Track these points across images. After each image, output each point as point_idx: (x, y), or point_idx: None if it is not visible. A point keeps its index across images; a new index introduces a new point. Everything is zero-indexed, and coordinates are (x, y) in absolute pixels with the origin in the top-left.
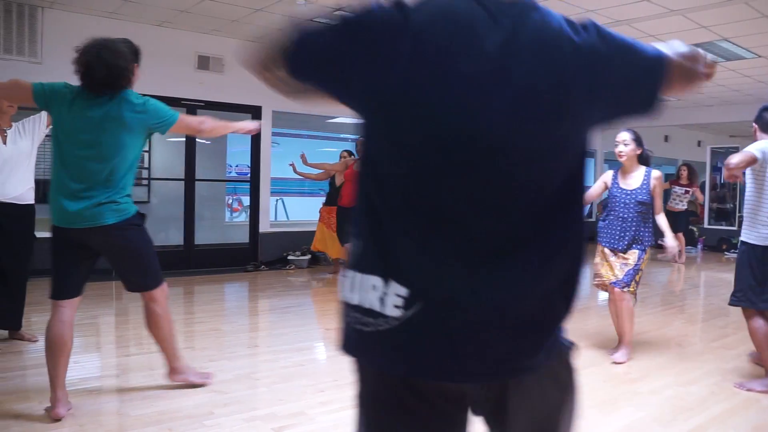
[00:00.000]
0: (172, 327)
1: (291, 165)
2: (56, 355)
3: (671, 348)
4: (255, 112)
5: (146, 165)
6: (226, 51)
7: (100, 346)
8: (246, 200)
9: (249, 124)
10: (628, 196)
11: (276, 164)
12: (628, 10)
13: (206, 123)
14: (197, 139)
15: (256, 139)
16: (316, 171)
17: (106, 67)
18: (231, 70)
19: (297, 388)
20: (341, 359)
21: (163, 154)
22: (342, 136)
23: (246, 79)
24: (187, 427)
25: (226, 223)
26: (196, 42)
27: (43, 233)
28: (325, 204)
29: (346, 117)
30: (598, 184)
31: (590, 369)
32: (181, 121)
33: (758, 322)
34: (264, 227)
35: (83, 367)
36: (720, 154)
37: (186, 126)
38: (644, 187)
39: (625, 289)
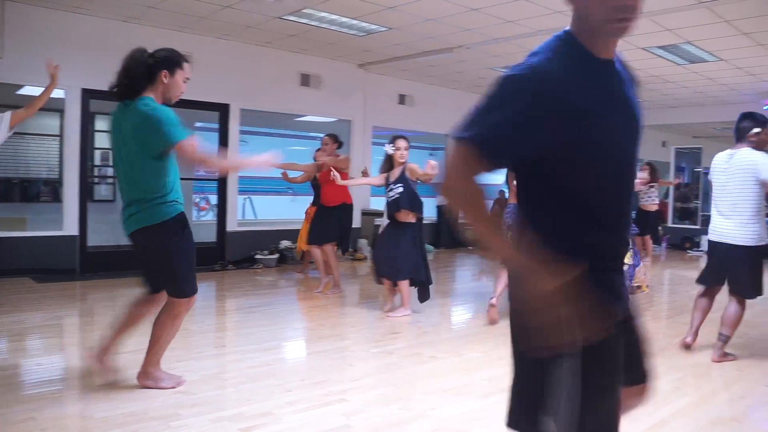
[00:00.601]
0: (171, 337)
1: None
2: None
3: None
4: (222, 110)
5: (111, 163)
6: (194, 48)
7: (64, 347)
8: (213, 199)
9: (263, 157)
10: None
11: None
12: None
13: (214, 157)
14: None
15: (223, 137)
16: (297, 174)
17: (120, 72)
18: (198, 67)
19: (264, 388)
20: (308, 358)
21: None
22: (311, 134)
23: (213, 77)
24: (153, 428)
25: (193, 222)
26: (163, 39)
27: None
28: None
29: (314, 116)
30: None
31: None
32: (182, 147)
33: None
34: (231, 226)
35: (46, 369)
36: (684, 155)
37: (188, 155)
38: None
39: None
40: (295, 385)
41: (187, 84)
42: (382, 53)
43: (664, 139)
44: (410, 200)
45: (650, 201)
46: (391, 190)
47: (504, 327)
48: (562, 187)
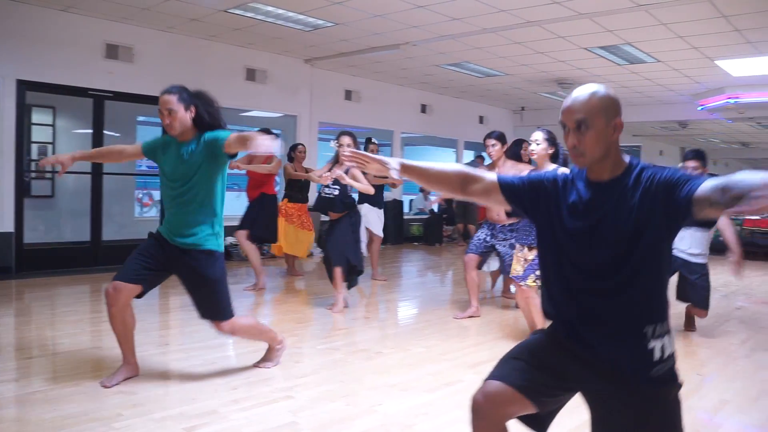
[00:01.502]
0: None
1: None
2: None
3: None
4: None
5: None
6: (136, 40)
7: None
8: (157, 194)
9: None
10: None
11: None
12: (539, 11)
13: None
14: (105, 131)
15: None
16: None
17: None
18: (141, 60)
19: (209, 387)
20: (254, 356)
21: (69, 146)
22: (257, 129)
23: (156, 70)
24: (94, 430)
25: (135, 218)
26: (104, 29)
27: None
28: (289, 201)
29: (260, 111)
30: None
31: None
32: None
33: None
34: None
35: None
36: (623, 152)
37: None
38: None
39: (522, 283)
40: (240, 382)
41: (129, 77)
42: (329, 49)
43: None
44: (343, 203)
45: None
46: (328, 187)
47: (446, 323)
48: None
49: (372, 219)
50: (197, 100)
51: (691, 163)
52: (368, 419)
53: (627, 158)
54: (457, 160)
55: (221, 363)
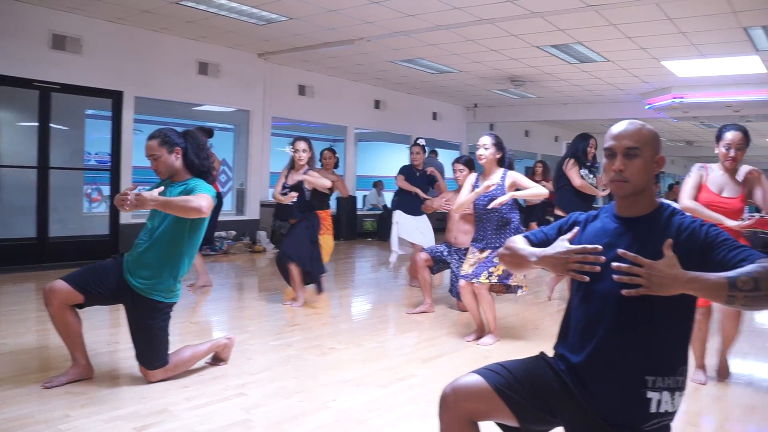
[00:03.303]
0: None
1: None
2: None
3: (529, 331)
4: (116, 98)
5: None
6: (84, 31)
7: None
8: (106, 190)
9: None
10: (486, 198)
11: (138, 152)
12: (492, 9)
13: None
14: (51, 125)
15: (116, 125)
16: None
17: None
18: (90, 52)
19: (160, 385)
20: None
21: (13, 140)
22: (209, 124)
23: (106, 62)
24: None
25: (84, 214)
26: (51, 19)
27: None
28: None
29: (212, 105)
30: (465, 187)
31: (458, 353)
32: None
33: None
34: (125, 218)
35: None
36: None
37: None
38: (500, 188)
39: (474, 281)
40: (192, 380)
41: (76, 69)
42: (283, 43)
43: (556, 134)
44: (301, 209)
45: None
46: (286, 194)
47: (400, 318)
48: None
49: (409, 228)
50: (184, 141)
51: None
52: (322, 415)
53: (658, 199)
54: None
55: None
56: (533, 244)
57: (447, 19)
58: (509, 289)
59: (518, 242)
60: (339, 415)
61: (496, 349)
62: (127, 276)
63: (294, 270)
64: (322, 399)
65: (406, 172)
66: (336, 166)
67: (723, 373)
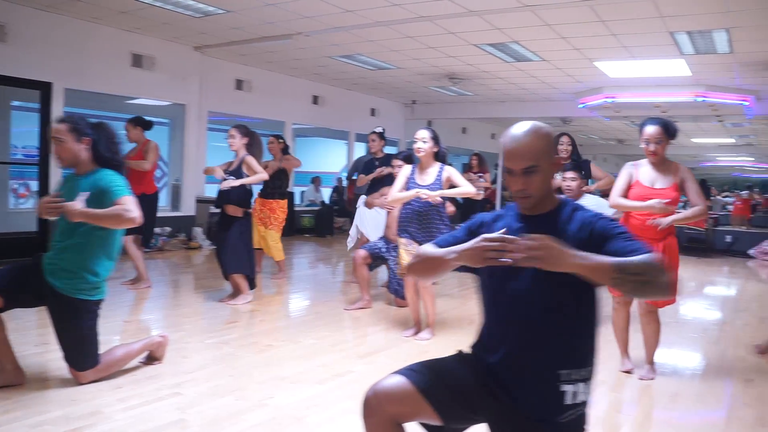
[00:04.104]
0: None
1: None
2: None
3: (465, 326)
4: (44, 89)
5: None
6: (9, 18)
7: None
8: (34, 185)
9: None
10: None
11: None
12: (431, 6)
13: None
14: None
15: (45, 118)
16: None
17: None
18: (16, 40)
19: (91, 386)
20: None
21: None
22: (145, 118)
23: (33, 52)
24: None
25: (10, 209)
26: None
27: None
28: (260, 196)
29: (147, 99)
30: (399, 179)
31: (396, 348)
32: None
33: None
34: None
35: None
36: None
37: None
38: (437, 182)
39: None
40: (125, 381)
41: (4, 62)
42: (220, 36)
43: (493, 131)
44: (238, 195)
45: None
46: (224, 180)
47: (337, 314)
48: None
49: (366, 218)
50: (95, 132)
51: (570, 174)
52: (259, 413)
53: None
54: (349, 152)
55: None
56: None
57: (386, 15)
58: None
59: (428, 249)
60: (276, 413)
61: (433, 344)
62: (48, 277)
63: (234, 279)
64: (259, 397)
65: (365, 169)
66: (285, 152)
67: (647, 373)
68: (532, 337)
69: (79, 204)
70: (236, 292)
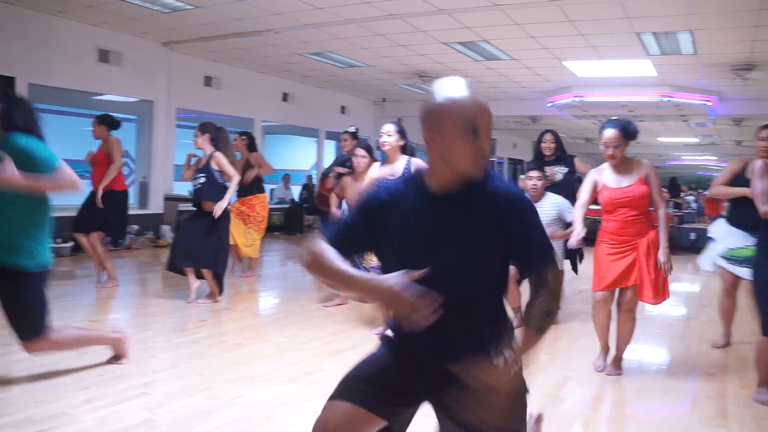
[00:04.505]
0: None
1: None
2: None
3: None
4: (7, 84)
5: None
6: None
7: None
8: None
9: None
10: None
11: None
12: (401, 4)
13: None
14: None
15: None
16: None
17: None
18: None
19: (57, 387)
20: (106, 352)
21: None
22: (113, 117)
23: None
24: None
25: None
26: None
27: None
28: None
29: (114, 95)
30: (368, 178)
31: (366, 346)
32: None
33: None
34: None
35: None
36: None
37: None
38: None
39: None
40: (91, 381)
41: None
42: (189, 32)
43: None
44: (211, 191)
45: None
46: (196, 179)
47: (307, 312)
48: None
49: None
50: (11, 104)
51: (534, 173)
52: (228, 412)
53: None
54: (318, 150)
55: (71, 361)
56: (338, 242)
57: (356, 13)
58: None
59: (327, 252)
60: (246, 412)
61: None
62: None
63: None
64: (228, 396)
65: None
66: (251, 149)
67: (614, 369)
68: (454, 319)
69: (11, 170)
70: (194, 288)
